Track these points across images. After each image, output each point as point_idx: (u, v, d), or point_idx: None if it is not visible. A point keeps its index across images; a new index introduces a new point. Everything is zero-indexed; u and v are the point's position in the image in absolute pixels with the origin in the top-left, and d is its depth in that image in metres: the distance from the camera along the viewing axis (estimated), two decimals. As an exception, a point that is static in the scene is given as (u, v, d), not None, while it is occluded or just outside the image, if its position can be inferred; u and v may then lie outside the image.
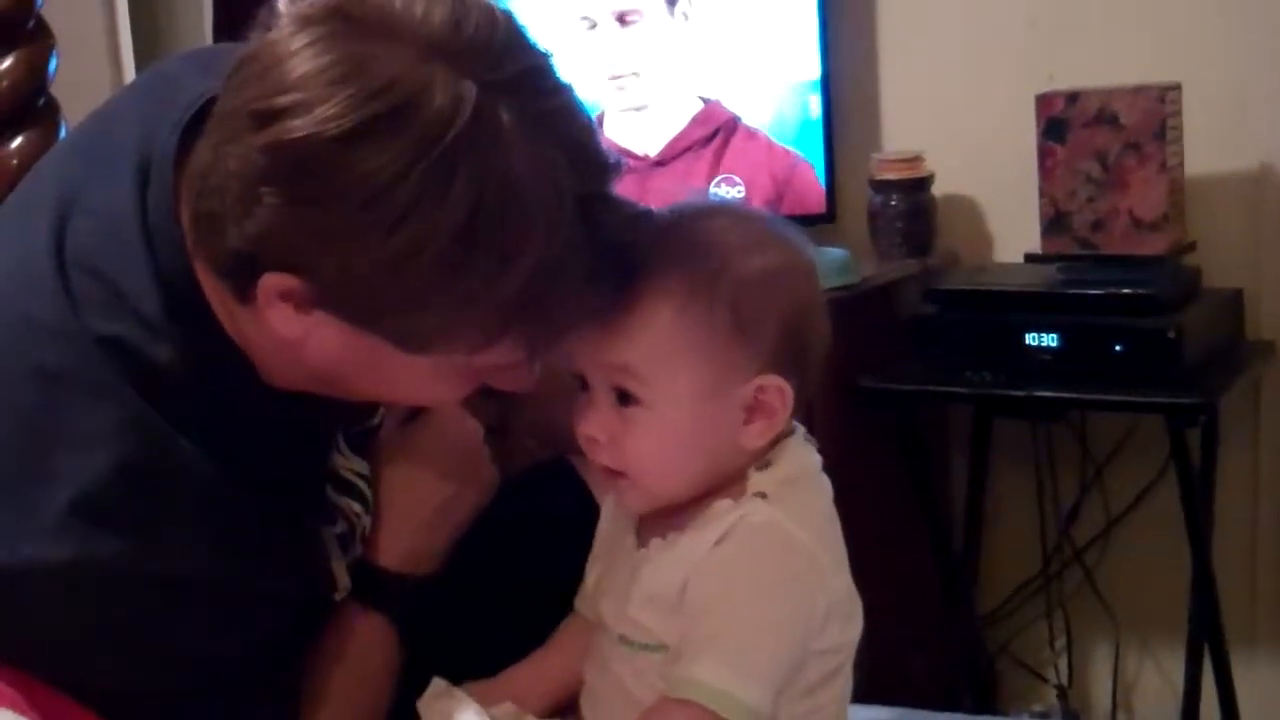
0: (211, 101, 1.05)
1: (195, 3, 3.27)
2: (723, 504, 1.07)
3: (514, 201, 0.95)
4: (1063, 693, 2.65)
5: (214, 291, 1.06)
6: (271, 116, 0.94)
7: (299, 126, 0.93)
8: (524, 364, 1.08)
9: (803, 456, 1.12)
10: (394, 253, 0.94)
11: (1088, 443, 2.54)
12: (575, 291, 0.99)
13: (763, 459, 1.09)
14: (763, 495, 1.07)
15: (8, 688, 1.02)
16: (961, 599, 2.58)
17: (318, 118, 0.93)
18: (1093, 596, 2.60)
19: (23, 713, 1.00)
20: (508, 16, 1.00)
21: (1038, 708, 2.68)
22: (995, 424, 2.53)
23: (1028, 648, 2.69)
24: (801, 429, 1.13)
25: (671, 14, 2.59)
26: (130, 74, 3.53)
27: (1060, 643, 2.66)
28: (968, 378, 2.31)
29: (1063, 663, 2.66)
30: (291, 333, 1.01)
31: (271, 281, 0.98)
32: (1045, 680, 2.68)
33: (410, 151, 0.92)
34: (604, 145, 1.02)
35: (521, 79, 0.97)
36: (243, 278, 1.00)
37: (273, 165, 0.94)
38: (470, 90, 0.94)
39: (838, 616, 1.07)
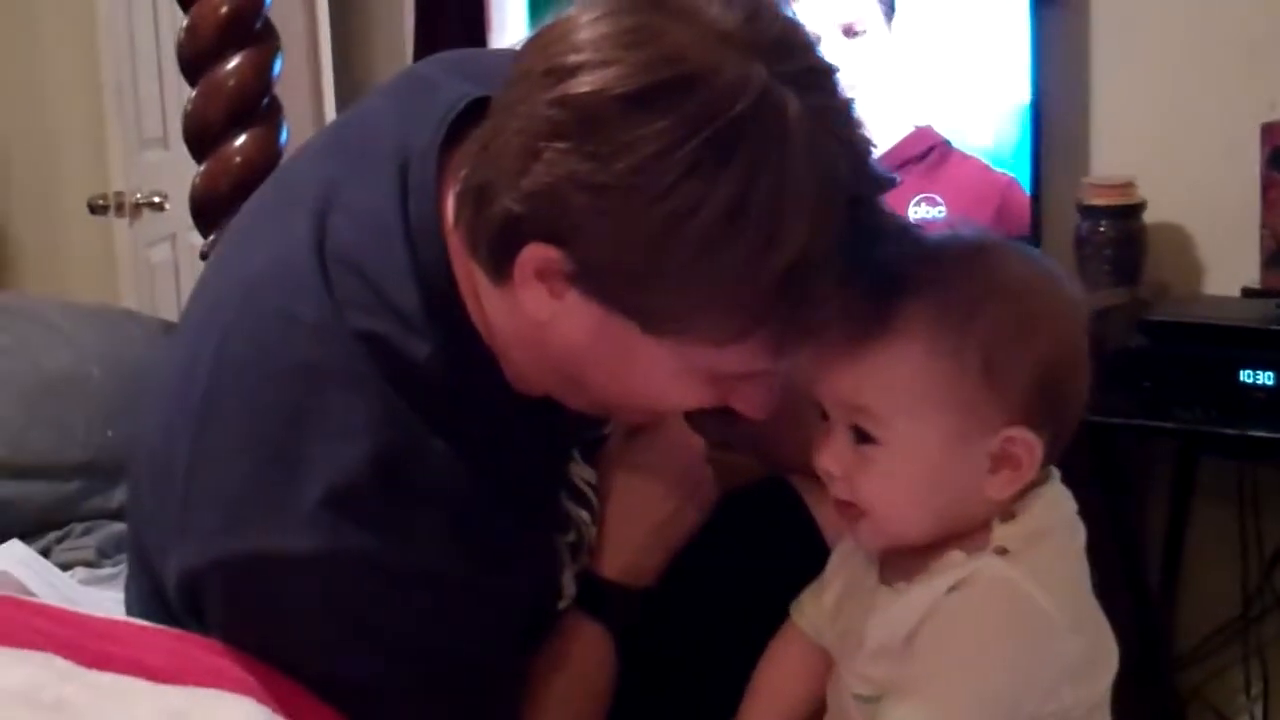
0: (474, 103, 1.06)
1: (395, 4, 3.31)
2: (957, 555, 1.03)
3: (789, 187, 0.94)
4: (1256, 742, 2.57)
5: (469, 289, 1.07)
6: (561, 73, 0.96)
7: (587, 82, 0.95)
8: (766, 378, 1.06)
9: (1053, 507, 1.06)
10: (661, 220, 0.94)
11: (1296, 485, 2.46)
12: (831, 293, 0.98)
13: (1008, 509, 1.04)
14: (1004, 551, 1.02)
15: (248, 675, 1.03)
16: (1156, 641, 2.50)
17: (606, 76, 0.94)
18: (1293, 644, 2.52)
19: (262, 702, 1.02)
20: (802, 25, 1.01)
21: (1229, 755, 2.59)
22: (1200, 462, 2.45)
23: (1221, 694, 2.60)
24: (1057, 473, 1.08)
25: (890, 29, 2.57)
26: (329, 76, 3.60)
27: (1256, 690, 2.57)
28: (1177, 414, 2.24)
29: (1258, 709, 2.57)
30: (542, 314, 1.01)
31: (532, 254, 0.99)
32: (1238, 728, 2.60)
33: (691, 122, 0.93)
34: (879, 160, 1.01)
35: (811, 75, 0.98)
36: (504, 251, 1.00)
37: (557, 120, 0.95)
38: (760, 74, 0.95)
39: (1068, 678, 1.03)
